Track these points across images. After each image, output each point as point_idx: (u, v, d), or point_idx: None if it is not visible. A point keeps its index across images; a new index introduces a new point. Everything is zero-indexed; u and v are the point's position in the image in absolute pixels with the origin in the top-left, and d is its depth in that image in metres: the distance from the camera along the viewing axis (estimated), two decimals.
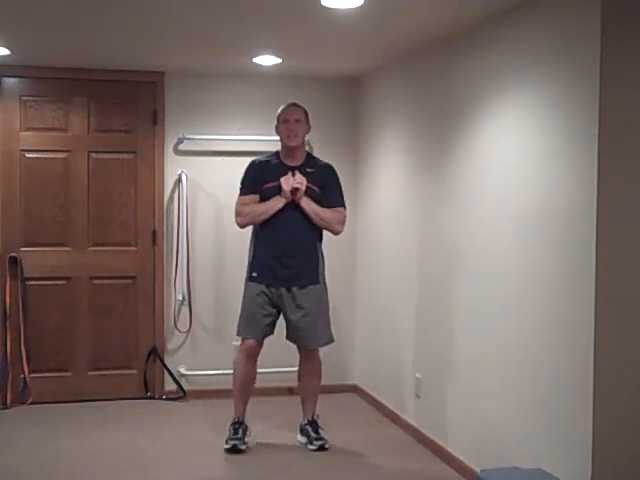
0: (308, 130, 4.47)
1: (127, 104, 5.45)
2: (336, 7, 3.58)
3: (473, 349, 3.97)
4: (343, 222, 4.43)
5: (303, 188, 4.27)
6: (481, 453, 3.85)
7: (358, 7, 3.57)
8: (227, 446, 4.34)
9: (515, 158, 3.57)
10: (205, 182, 5.53)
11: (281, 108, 4.44)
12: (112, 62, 5.13)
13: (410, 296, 4.75)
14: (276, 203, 4.29)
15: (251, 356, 4.42)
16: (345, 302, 5.74)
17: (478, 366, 3.91)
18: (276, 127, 4.44)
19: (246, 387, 4.46)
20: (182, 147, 5.54)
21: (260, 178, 4.36)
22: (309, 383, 4.51)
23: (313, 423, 4.48)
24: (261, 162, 4.43)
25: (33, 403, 5.26)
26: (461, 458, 4.05)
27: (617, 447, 2.97)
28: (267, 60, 4.94)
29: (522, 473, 3.14)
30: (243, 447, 4.36)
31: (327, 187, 4.39)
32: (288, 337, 4.45)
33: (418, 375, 4.63)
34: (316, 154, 5.56)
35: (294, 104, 4.44)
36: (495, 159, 3.76)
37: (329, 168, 4.47)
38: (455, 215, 4.16)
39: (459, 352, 4.12)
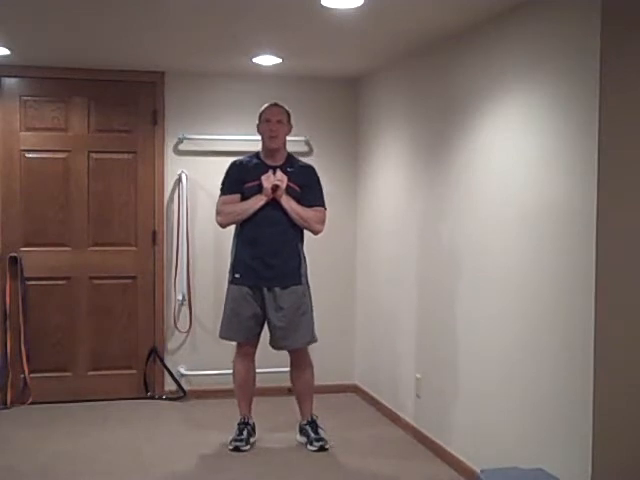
0: (289, 131, 4.46)
1: (127, 104, 5.45)
2: (336, 7, 3.58)
3: (473, 349, 3.96)
4: (323, 222, 4.42)
5: (284, 185, 4.27)
6: (481, 453, 3.85)
7: (358, 7, 3.57)
8: (230, 447, 4.36)
9: (515, 158, 3.57)
10: (205, 182, 5.53)
11: (263, 107, 4.44)
12: (112, 62, 5.13)
13: (410, 296, 4.74)
14: (256, 201, 4.28)
15: (246, 356, 4.43)
16: (345, 302, 5.75)
17: (478, 366, 3.91)
18: (257, 126, 4.44)
19: (245, 386, 4.47)
20: (182, 147, 5.54)
21: (241, 178, 4.36)
22: (302, 383, 4.50)
23: (312, 423, 4.47)
24: (242, 162, 4.44)
25: (33, 403, 5.26)
26: (461, 458, 4.05)
27: (617, 447, 2.97)
28: (267, 60, 4.94)
29: (522, 473, 3.14)
30: (246, 448, 4.37)
31: (307, 187, 4.38)
32: (271, 342, 4.41)
33: (418, 375, 4.63)
34: (316, 154, 5.59)
35: (276, 104, 4.44)
36: (495, 159, 3.76)
37: (310, 168, 4.47)
38: (455, 215, 4.16)
39: (459, 352, 4.11)
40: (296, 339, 4.37)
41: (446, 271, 4.27)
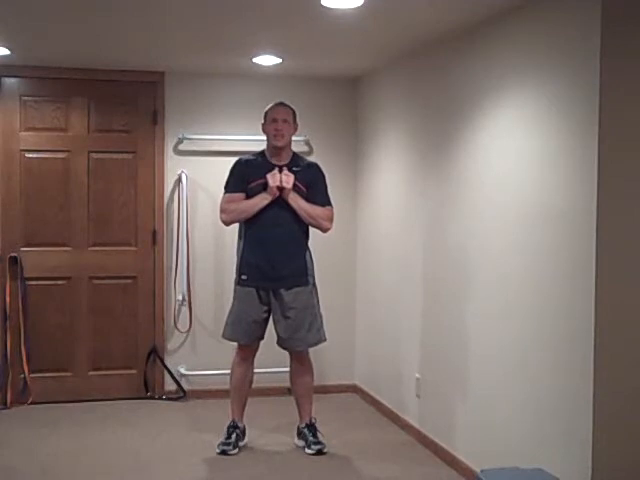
0: (295, 130, 4.41)
1: (127, 104, 5.45)
2: (336, 7, 3.58)
3: (473, 349, 3.96)
4: (331, 219, 4.39)
5: (290, 185, 4.22)
6: (481, 453, 3.85)
7: (358, 7, 3.57)
8: (217, 450, 4.33)
9: (515, 158, 3.57)
10: (205, 182, 5.53)
11: (269, 106, 4.39)
12: (112, 62, 5.13)
13: (410, 296, 4.74)
14: (261, 200, 4.24)
15: (246, 358, 4.41)
16: (345, 302, 5.74)
17: (478, 366, 3.91)
18: (262, 125, 4.38)
19: (240, 389, 4.43)
20: (182, 147, 5.54)
21: (246, 176, 4.29)
22: (302, 385, 4.46)
23: (311, 426, 4.44)
24: (247, 160, 4.38)
25: (33, 403, 5.27)
26: (461, 458, 4.05)
27: (617, 447, 2.97)
28: (267, 60, 4.95)
29: (522, 473, 3.14)
30: (233, 452, 4.33)
31: (313, 186, 4.33)
32: (278, 341, 4.39)
33: (418, 375, 4.63)
34: (316, 154, 5.59)
35: (282, 103, 4.39)
36: (495, 159, 3.76)
37: (315, 167, 4.43)
38: (455, 215, 4.16)
39: (459, 352, 4.11)
40: (302, 341, 4.34)
41: (446, 271, 4.26)
